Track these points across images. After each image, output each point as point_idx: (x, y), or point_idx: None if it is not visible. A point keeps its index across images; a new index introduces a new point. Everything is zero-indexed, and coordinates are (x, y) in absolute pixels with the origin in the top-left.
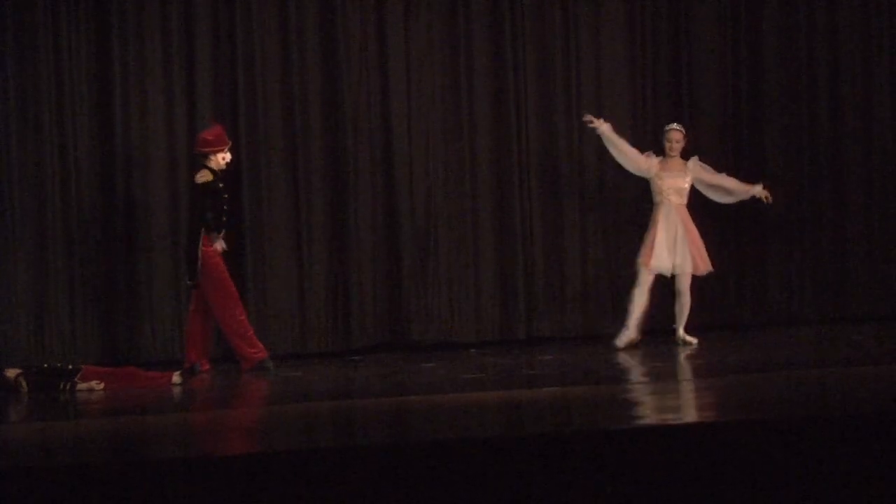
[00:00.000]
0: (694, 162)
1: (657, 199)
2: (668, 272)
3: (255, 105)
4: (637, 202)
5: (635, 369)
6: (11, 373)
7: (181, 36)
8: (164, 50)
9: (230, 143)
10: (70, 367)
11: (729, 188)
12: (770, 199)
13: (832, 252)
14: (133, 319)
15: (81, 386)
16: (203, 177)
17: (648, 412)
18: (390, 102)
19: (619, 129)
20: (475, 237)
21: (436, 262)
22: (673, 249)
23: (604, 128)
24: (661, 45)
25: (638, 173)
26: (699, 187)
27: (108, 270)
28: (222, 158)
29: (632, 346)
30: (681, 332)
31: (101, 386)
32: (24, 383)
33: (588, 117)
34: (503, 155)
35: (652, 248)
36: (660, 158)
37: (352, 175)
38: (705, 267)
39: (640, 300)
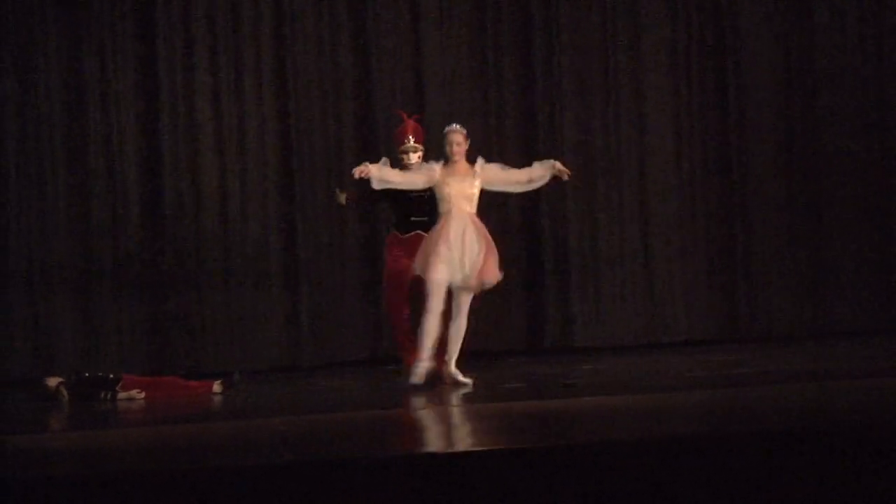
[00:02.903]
0: (481, 164)
1: (444, 207)
2: (445, 287)
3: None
4: (681, 213)
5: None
6: (52, 381)
7: (227, 35)
8: (211, 51)
9: (406, 141)
10: (111, 376)
11: (525, 180)
12: (569, 174)
13: None
14: (179, 328)
15: (122, 395)
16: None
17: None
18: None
19: (662, 140)
20: (505, 245)
21: None
22: (458, 263)
23: (373, 171)
24: (705, 53)
25: (428, 186)
26: (496, 188)
27: (155, 276)
28: (403, 155)
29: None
30: (452, 367)
31: (142, 395)
32: (64, 392)
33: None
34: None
35: (427, 258)
36: (441, 164)
37: None
38: (494, 278)
39: (432, 323)
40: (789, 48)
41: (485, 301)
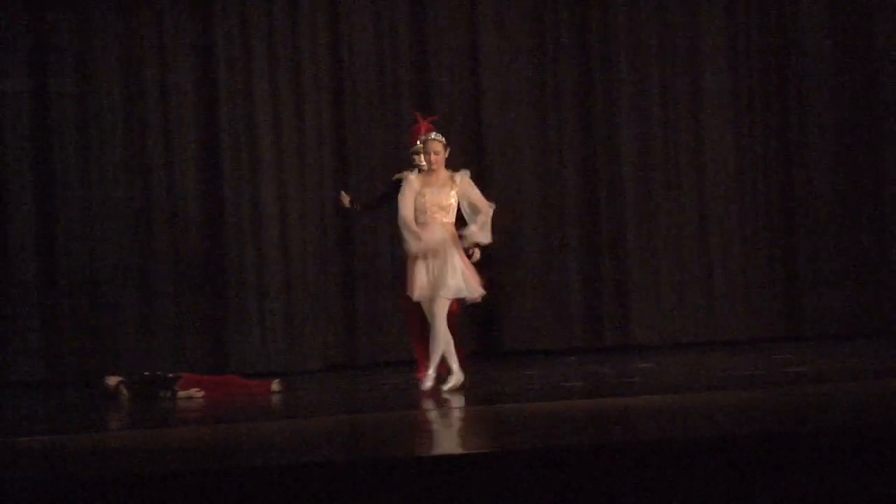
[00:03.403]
0: (463, 175)
1: (421, 218)
2: (428, 298)
3: (353, 104)
4: (739, 211)
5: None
6: (112, 380)
7: (284, 33)
8: (269, 49)
9: (416, 143)
10: (170, 375)
11: (475, 213)
12: (476, 255)
13: None
14: (241, 327)
15: (182, 394)
16: (399, 174)
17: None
18: (481, 106)
19: (721, 138)
20: (563, 245)
21: (524, 269)
22: (436, 273)
23: (346, 201)
24: (764, 51)
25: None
26: (462, 204)
27: (215, 277)
28: (414, 155)
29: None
30: (430, 371)
31: (201, 394)
32: (124, 391)
33: (343, 199)
34: (592, 165)
35: (413, 276)
36: (417, 174)
37: None
38: (474, 292)
39: (442, 334)
40: (847, 44)
41: (545, 300)
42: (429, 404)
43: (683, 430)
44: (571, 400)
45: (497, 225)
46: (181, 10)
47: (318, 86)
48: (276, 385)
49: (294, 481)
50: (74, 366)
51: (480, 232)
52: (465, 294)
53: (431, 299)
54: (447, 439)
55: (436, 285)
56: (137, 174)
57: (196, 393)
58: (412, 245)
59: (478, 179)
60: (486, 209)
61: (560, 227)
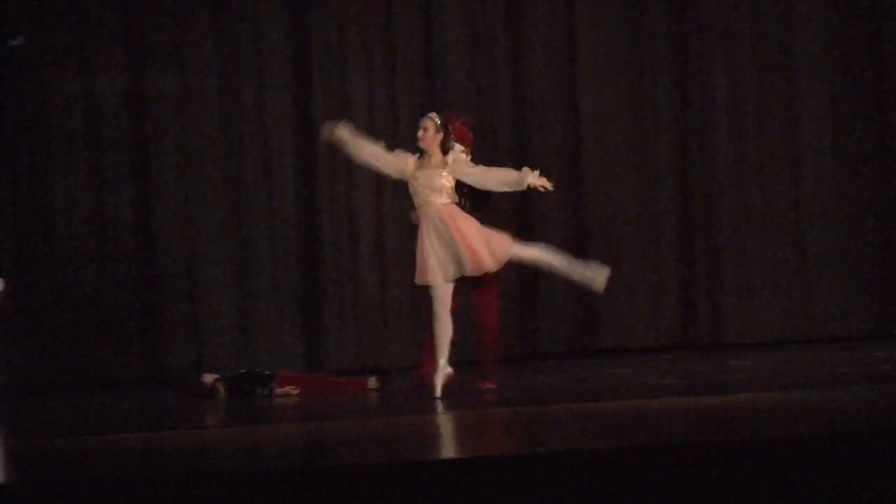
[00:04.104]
0: (455, 154)
1: (416, 202)
2: (444, 281)
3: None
4: (834, 208)
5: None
6: (209, 378)
7: (378, 30)
8: (364, 47)
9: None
10: (267, 372)
11: (496, 180)
12: (548, 187)
13: None
14: (336, 325)
15: (278, 391)
16: None
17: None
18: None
19: (817, 134)
20: (657, 242)
21: (618, 265)
22: (446, 256)
23: (343, 134)
24: (859, 44)
25: (397, 175)
26: (468, 181)
27: (311, 275)
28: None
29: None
30: (442, 361)
31: (297, 391)
32: (221, 389)
33: (328, 132)
34: (685, 164)
35: (425, 262)
36: (416, 156)
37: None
38: (486, 265)
39: (445, 326)
40: None
41: (637, 297)
42: (518, 402)
43: (781, 429)
44: (669, 398)
45: (592, 226)
46: (274, 9)
47: (411, 86)
48: (372, 382)
49: (391, 479)
50: (172, 364)
51: (517, 175)
52: (468, 272)
53: (437, 284)
54: (544, 438)
55: (455, 269)
56: (234, 172)
57: (292, 390)
58: (393, 161)
59: (575, 182)
60: (481, 170)
61: (655, 225)
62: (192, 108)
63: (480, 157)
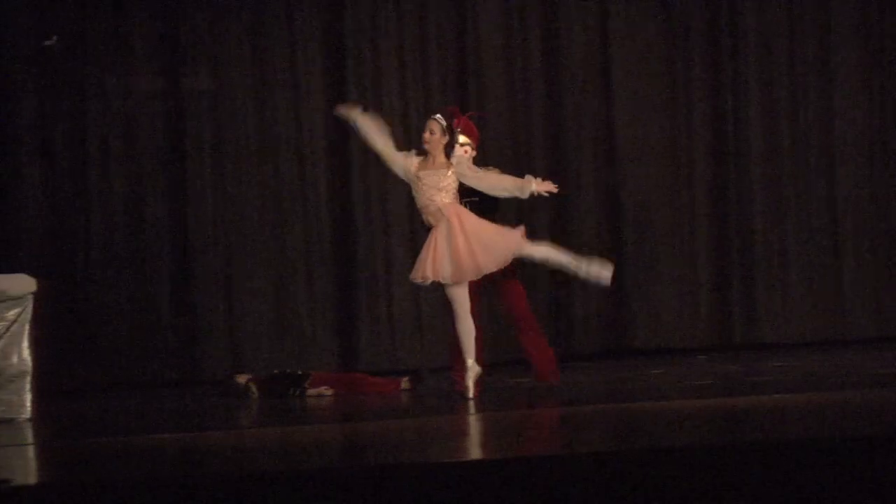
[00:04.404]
0: (456, 158)
1: (423, 202)
2: (446, 280)
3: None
4: (869, 207)
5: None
6: (242, 378)
7: (413, 33)
8: (398, 52)
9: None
10: (300, 372)
11: (498, 186)
12: (555, 189)
13: None
14: (370, 327)
15: (311, 392)
16: None
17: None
18: (612, 108)
19: (852, 134)
20: (692, 242)
21: (653, 267)
22: (451, 258)
23: (357, 118)
24: None
25: (401, 174)
26: (472, 185)
27: (345, 277)
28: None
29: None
30: (470, 361)
31: (331, 392)
32: (254, 389)
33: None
34: (721, 161)
35: (432, 260)
36: (420, 158)
37: (573, 177)
38: (485, 269)
39: (465, 326)
40: None
41: (674, 298)
42: (553, 403)
43: (817, 429)
44: (704, 399)
45: (628, 224)
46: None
47: (445, 84)
48: (405, 383)
49: (423, 480)
50: (206, 365)
51: (520, 183)
52: (470, 277)
53: (449, 285)
54: (578, 438)
55: (458, 270)
56: (269, 173)
57: (325, 391)
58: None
59: (609, 184)
60: (491, 175)
61: (689, 226)
62: (228, 108)
63: (516, 157)
